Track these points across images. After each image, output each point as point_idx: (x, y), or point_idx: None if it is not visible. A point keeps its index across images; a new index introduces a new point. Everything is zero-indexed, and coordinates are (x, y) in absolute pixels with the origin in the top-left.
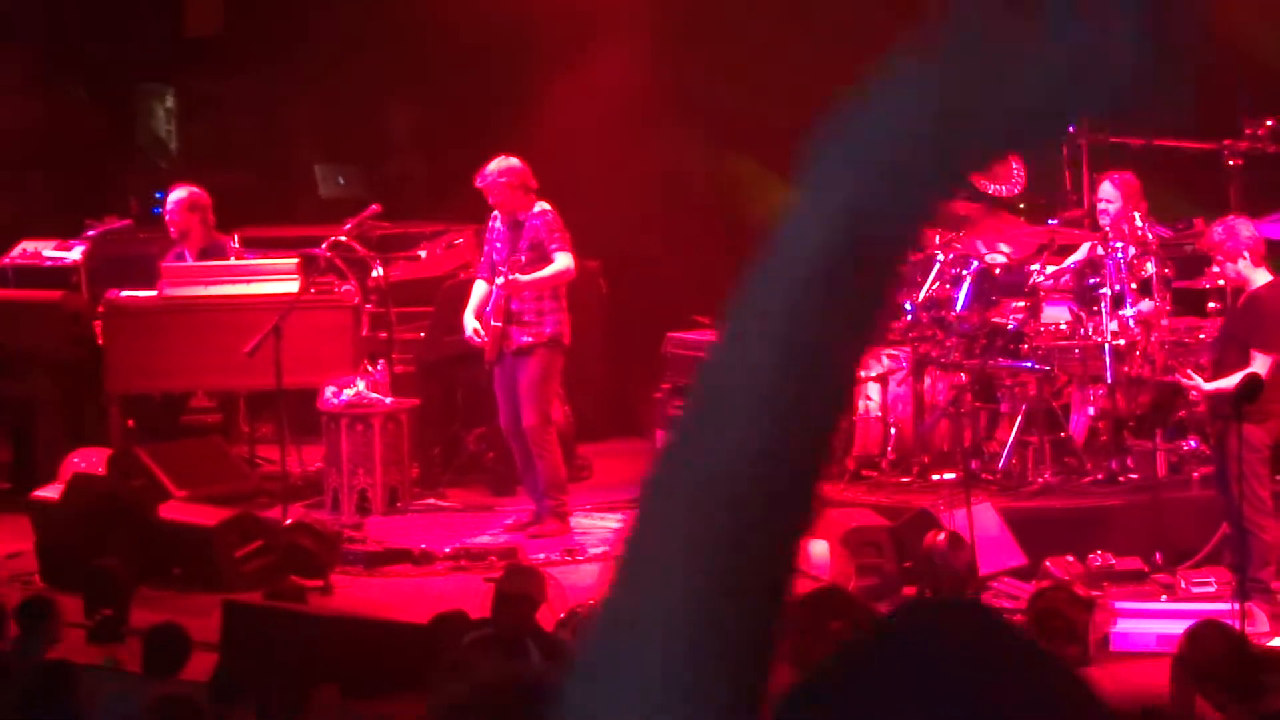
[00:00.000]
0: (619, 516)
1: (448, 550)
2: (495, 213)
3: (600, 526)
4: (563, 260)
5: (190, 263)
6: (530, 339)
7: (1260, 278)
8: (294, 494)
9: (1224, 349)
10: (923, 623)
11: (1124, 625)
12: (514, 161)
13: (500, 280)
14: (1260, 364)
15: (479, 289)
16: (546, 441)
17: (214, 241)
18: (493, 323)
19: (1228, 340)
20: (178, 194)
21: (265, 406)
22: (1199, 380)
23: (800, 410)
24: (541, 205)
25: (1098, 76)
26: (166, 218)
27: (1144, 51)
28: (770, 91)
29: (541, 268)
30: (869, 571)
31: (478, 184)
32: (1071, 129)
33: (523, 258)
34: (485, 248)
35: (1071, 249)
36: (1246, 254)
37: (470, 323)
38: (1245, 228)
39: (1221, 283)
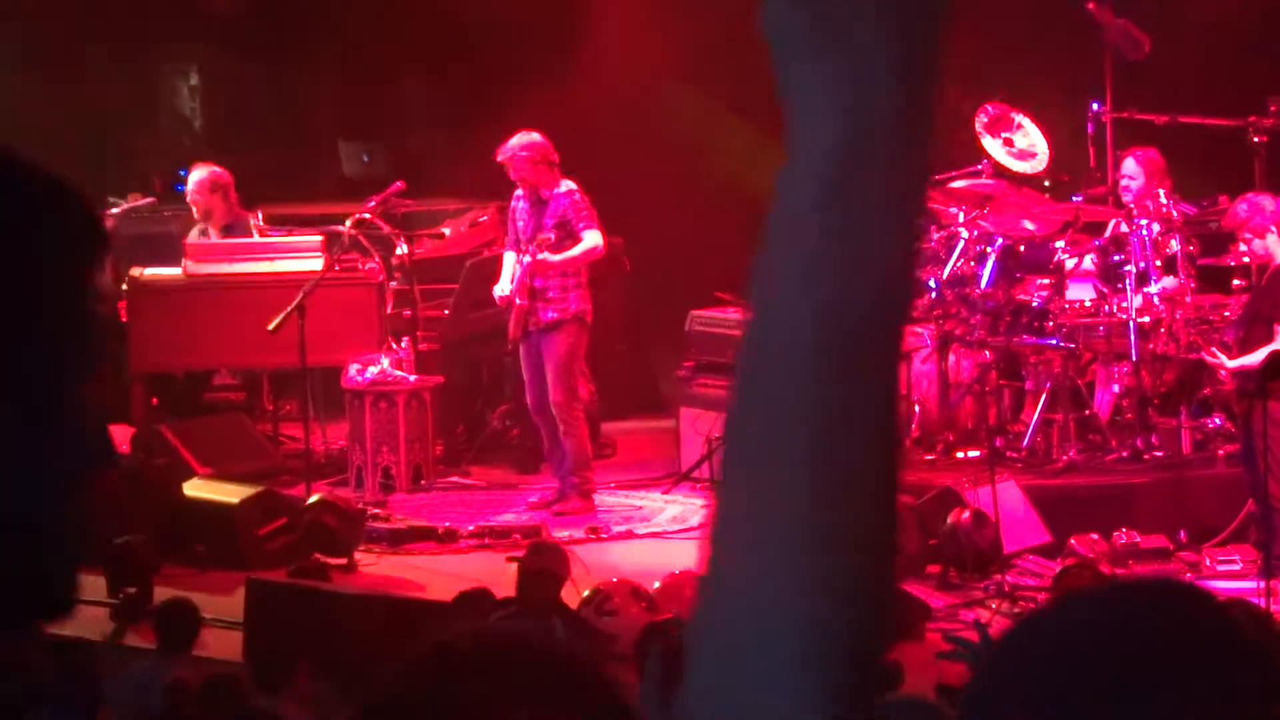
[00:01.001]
0: (645, 494)
1: (472, 528)
2: (519, 190)
3: (624, 505)
4: (592, 238)
5: (214, 240)
6: (556, 315)
7: None
8: (317, 471)
9: (1249, 326)
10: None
11: None
12: (536, 136)
13: (527, 259)
14: None
15: (509, 260)
16: (573, 418)
17: (237, 219)
18: (516, 301)
19: (1253, 317)
20: (198, 174)
21: (289, 384)
22: (1223, 358)
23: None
24: (568, 184)
25: None
26: (189, 198)
27: None
28: None
29: (569, 246)
30: None
31: (499, 158)
32: (1095, 106)
33: (551, 236)
34: (509, 223)
35: (1096, 225)
36: (1274, 228)
37: (501, 290)
38: (1269, 203)
39: (1246, 259)
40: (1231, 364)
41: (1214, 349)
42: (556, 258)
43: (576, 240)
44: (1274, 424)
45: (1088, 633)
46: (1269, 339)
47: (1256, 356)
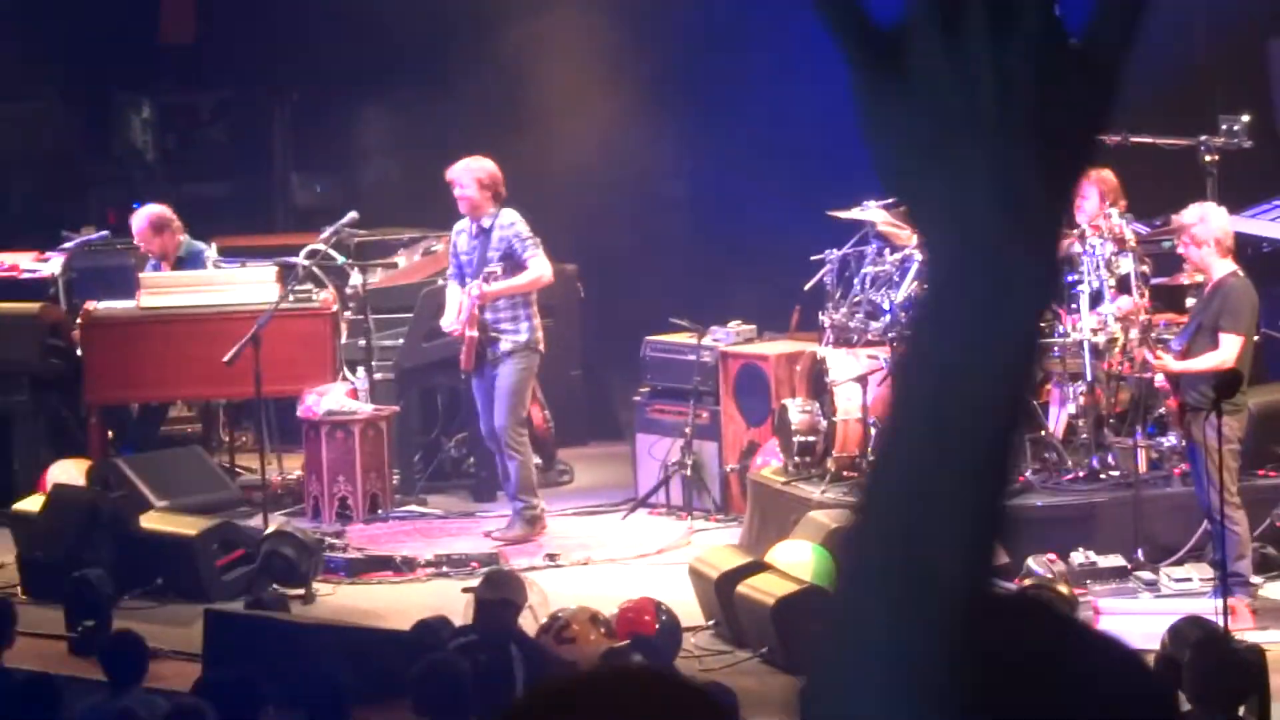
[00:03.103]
0: (602, 520)
1: (429, 557)
2: (458, 223)
3: (581, 531)
4: (537, 266)
5: (168, 273)
6: (509, 344)
7: (1223, 267)
8: (275, 502)
9: (1194, 338)
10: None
11: (1106, 623)
12: (489, 163)
13: (475, 292)
14: (1229, 345)
15: (453, 292)
16: (520, 445)
17: (190, 250)
18: (468, 333)
19: (1196, 329)
20: (137, 222)
21: (245, 415)
22: (1168, 360)
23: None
24: (510, 213)
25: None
26: (140, 246)
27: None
28: (748, 96)
29: (515, 276)
30: None
31: (448, 175)
32: None
33: (498, 269)
34: (451, 255)
35: None
36: (1213, 243)
37: (447, 323)
38: (1219, 218)
39: (1200, 277)
40: (1175, 366)
41: (1158, 351)
42: (501, 284)
43: (522, 269)
44: (1222, 439)
45: None
46: (1213, 347)
47: (1201, 362)
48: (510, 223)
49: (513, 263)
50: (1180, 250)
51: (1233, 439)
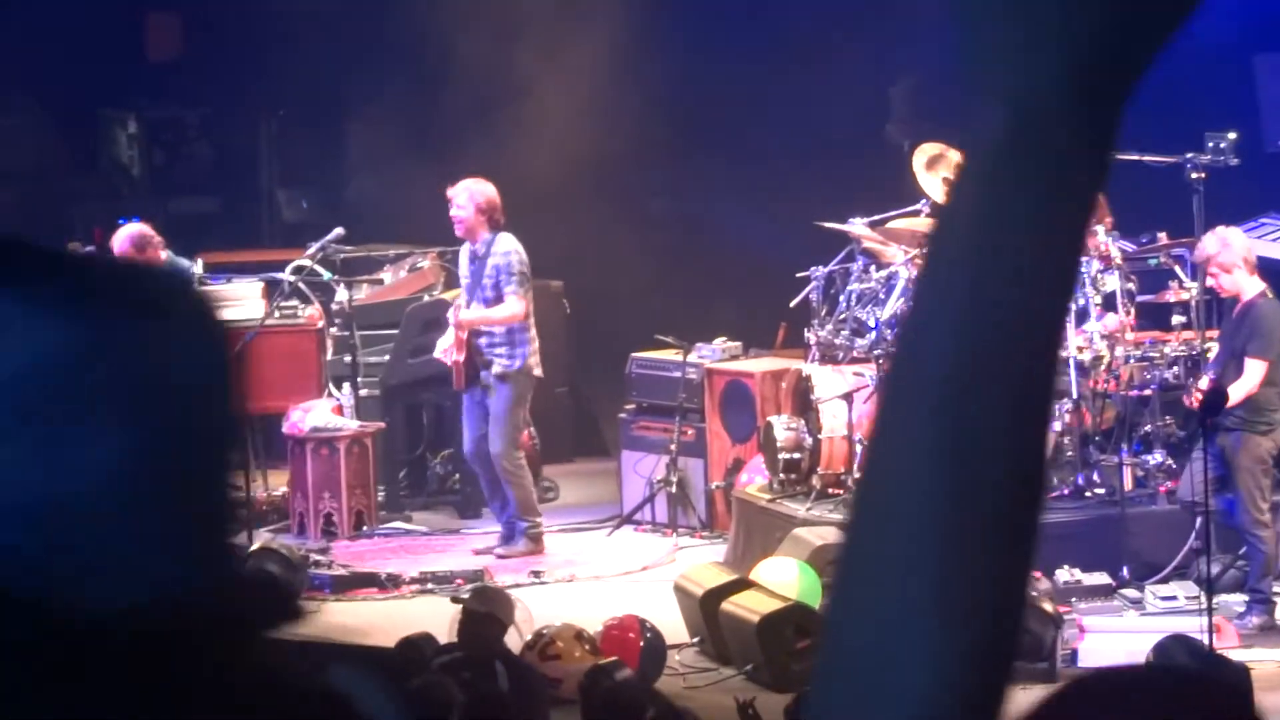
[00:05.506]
0: (587, 537)
1: (414, 574)
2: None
3: (566, 548)
4: (512, 304)
5: None
6: (503, 368)
7: (1253, 287)
8: (260, 519)
9: (1226, 361)
10: None
11: (1091, 641)
12: (490, 187)
13: (452, 317)
14: (1254, 371)
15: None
16: (516, 467)
17: (175, 267)
18: (455, 356)
19: (1229, 355)
20: (119, 241)
21: None
22: None
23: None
24: (509, 241)
25: None
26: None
27: None
28: (736, 110)
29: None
30: None
31: (449, 191)
32: None
33: (489, 294)
34: (460, 275)
35: None
36: (1241, 264)
37: (442, 344)
38: (1239, 238)
39: (1186, 296)
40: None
41: (1199, 388)
42: (476, 314)
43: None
44: (1254, 458)
45: None
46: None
47: (1240, 390)
48: (505, 251)
49: (499, 293)
50: (1210, 282)
51: (1266, 458)
